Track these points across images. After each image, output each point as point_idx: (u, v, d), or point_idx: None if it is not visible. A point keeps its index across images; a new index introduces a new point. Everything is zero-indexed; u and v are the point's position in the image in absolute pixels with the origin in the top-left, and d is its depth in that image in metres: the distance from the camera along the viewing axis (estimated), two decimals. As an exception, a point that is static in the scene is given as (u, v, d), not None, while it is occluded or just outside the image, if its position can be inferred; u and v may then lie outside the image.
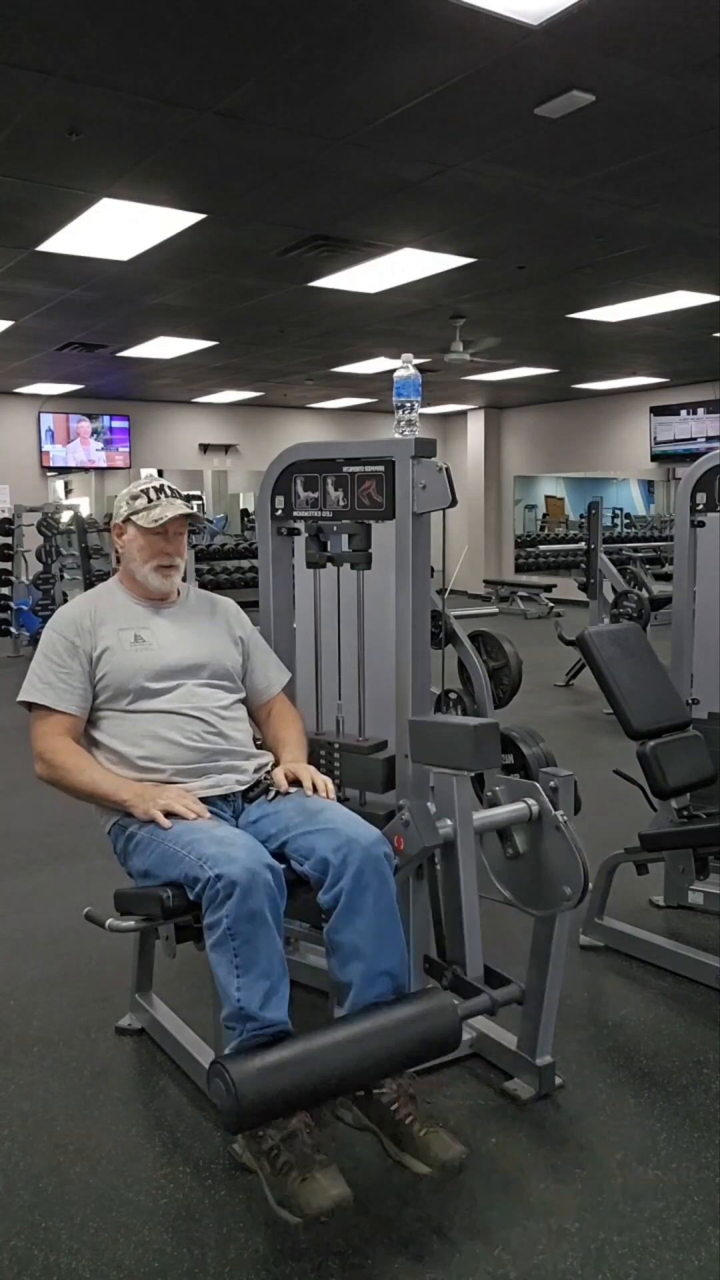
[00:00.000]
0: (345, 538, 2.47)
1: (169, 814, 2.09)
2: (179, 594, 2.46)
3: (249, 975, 1.87)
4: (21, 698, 2.28)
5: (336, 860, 2.01)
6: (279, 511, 2.70)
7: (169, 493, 2.38)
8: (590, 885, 2.13)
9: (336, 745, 2.50)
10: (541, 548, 14.27)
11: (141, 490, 2.38)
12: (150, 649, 2.31)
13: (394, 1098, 1.91)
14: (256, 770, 2.33)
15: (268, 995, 1.87)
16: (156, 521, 2.32)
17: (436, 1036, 1.97)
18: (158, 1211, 1.89)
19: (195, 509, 2.41)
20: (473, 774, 2.18)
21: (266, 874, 1.93)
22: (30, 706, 2.28)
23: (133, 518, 2.35)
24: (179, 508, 2.35)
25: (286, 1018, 1.89)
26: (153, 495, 2.36)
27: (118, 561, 2.46)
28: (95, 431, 12.13)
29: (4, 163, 4.16)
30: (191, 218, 4.94)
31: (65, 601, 8.86)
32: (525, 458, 14.20)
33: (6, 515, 10.15)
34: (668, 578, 7.12)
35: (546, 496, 15.13)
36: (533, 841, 2.22)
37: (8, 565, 9.87)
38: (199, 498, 13.52)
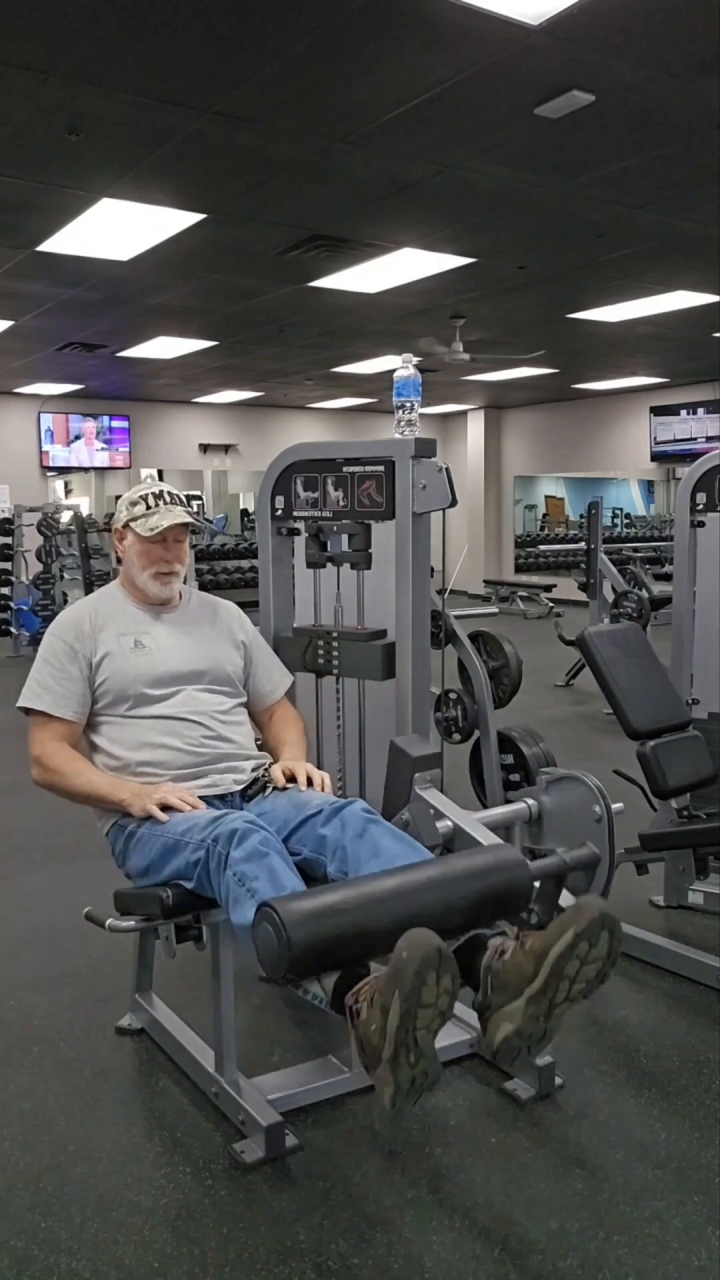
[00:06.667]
0: (345, 538, 2.47)
1: (165, 808, 2.10)
2: (180, 598, 2.46)
3: (266, 884, 1.81)
4: (20, 703, 2.29)
5: (333, 831, 2.03)
6: (279, 511, 2.70)
7: (169, 499, 2.34)
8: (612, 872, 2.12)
9: (335, 634, 2.50)
10: (541, 548, 14.25)
11: (140, 496, 2.34)
12: (150, 654, 2.30)
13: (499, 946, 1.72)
14: (254, 770, 2.33)
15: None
16: (153, 530, 2.29)
17: (509, 889, 1.83)
18: (158, 1211, 1.89)
19: (196, 512, 2.37)
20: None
21: (268, 830, 1.95)
22: (29, 711, 2.28)
23: (131, 524, 2.33)
24: (177, 515, 2.31)
25: None
26: (151, 502, 2.32)
27: (118, 563, 2.45)
28: (96, 432, 12.13)
29: (4, 163, 4.16)
30: (191, 218, 4.94)
31: (65, 601, 8.92)
32: (525, 458, 14.19)
33: (6, 515, 10.15)
34: (668, 578, 7.11)
35: (546, 496, 15.12)
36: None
37: (8, 565, 9.87)
38: (199, 498, 13.51)
